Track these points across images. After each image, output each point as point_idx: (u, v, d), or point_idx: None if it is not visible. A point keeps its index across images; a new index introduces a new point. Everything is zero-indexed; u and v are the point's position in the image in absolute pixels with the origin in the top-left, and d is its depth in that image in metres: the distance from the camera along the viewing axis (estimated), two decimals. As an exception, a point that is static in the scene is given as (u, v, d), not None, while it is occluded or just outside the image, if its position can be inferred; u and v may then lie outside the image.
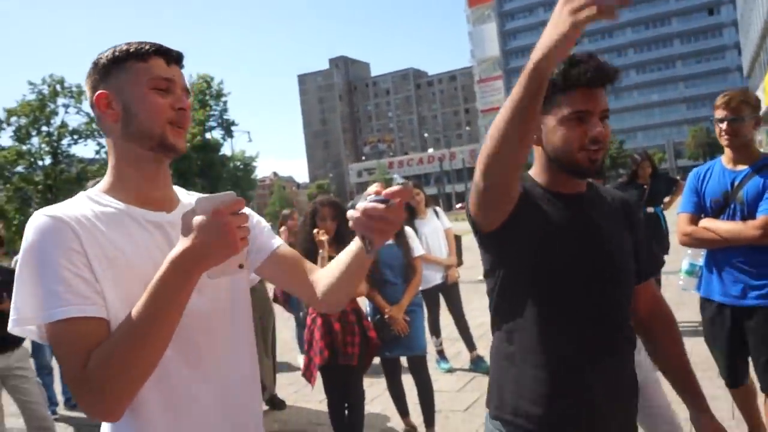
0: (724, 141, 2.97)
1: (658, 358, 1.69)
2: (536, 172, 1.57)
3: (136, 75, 1.23)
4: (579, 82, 1.42)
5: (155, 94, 1.23)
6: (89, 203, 1.22)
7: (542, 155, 1.54)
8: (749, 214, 2.80)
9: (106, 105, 1.24)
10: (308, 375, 3.60)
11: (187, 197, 1.38)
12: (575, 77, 1.41)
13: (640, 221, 1.68)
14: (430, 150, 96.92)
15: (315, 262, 3.53)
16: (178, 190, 1.39)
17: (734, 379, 3.06)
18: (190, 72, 34.99)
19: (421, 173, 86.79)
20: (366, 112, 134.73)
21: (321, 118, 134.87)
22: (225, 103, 33.45)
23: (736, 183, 2.93)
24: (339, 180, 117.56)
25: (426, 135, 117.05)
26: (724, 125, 2.91)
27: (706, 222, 2.96)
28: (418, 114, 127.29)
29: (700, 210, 3.03)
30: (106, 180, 1.29)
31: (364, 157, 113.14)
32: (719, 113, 2.95)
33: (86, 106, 29.96)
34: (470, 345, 5.53)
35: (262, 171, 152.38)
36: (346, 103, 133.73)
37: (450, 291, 5.54)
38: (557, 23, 1.01)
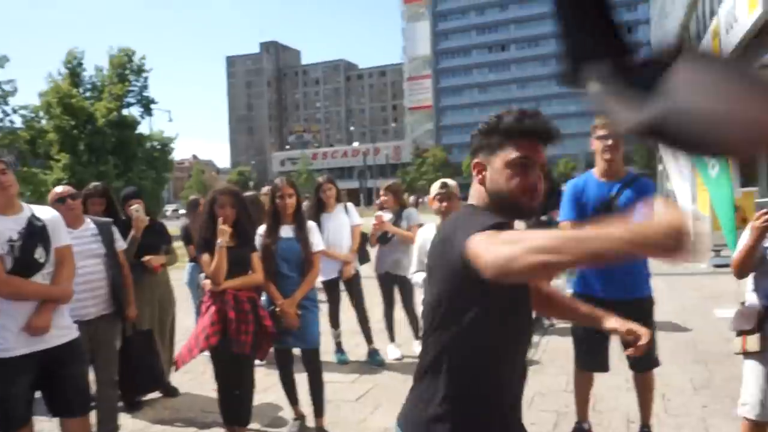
0: (603, 155, 3.38)
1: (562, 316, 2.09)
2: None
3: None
4: (528, 134, 1.57)
5: None
6: None
7: (484, 195, 1.64)
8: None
9: None
10: (179, 359, 3.60)
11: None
12: (527, 127, 1.57)
13: None
14: (356, 143, 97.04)
15: (213, 252, 3.56)
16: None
17: (600, 365, 3.60)
18: (111, 44, 33.39)
19: (345, 166, 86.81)
20: (294, 101, 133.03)
21: (247, 103, 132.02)
22: (146, 79, 32.12)
23: (612, 194, 3.36)
24: (261, 168, 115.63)
25: (352, 128, 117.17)
26: (606, 142, 3.36)
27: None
28: (347, 106, 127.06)
29: (582, 217, 3.37)
30: None
31: (288, 146, 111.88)
32: (601, 132, 3.38)
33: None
34: (369, 338, 5.70)
35: (181, 153, 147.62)
36: (274, 90, 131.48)
37: (352, 285, 5.68)
38: (649, 245, 1.11)
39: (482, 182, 1.64)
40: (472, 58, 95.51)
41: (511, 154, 1.57)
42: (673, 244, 1.07)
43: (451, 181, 4.03)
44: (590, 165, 3.66)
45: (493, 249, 1.32)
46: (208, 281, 3.65)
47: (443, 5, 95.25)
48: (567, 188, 3.58)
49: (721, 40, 15.29)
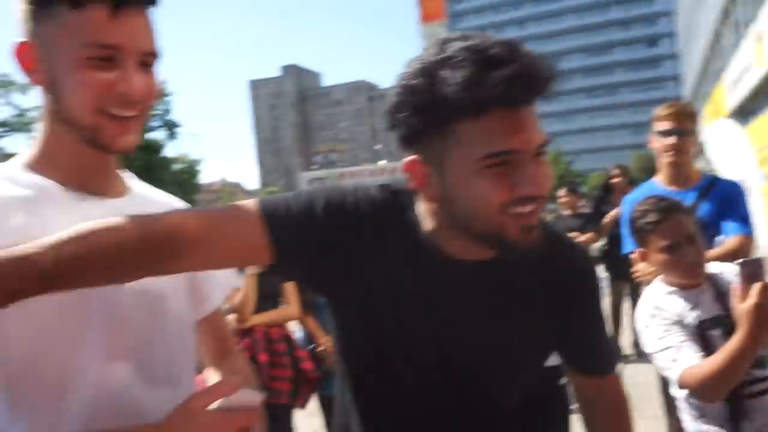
0: (668, 157, 2.54)
1: None
2: (428, 225, 1.01)
3: (66, 34, 0.85)
4: (496, 100, 0.83)
5: (89, 67, 0.85)
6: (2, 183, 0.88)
7: (438, 210, 0.97)
8: (710, 237, 2.41)
9: (31, 63, 0.88)
10: None
11: (138, 185, 1.08)
12: (489, 91, 0.82)
13: (588, 299, 1.14)
14: (382, 162, 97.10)
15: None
16: (126, 174, 1.06)
17: None
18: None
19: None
20: (317, 122, 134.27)
21: (272, 125, 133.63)
22: (169, 102, 32.43)
23: (687, 207, 2.56)
24: (290, 187, 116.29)
25: (378, 147, 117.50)
26: (671, 139, 2.50)
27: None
28: (371, 126, 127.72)
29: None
30: (31, 152, 0.93)
31: (315, 166, 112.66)
32: (664, 125, 2.54)
33: (15, 97, 27.96)
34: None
35: (209, 175, 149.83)
36: (298, 112, 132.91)
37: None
38: None
39: (432, 198, 0.95)
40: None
41: (473, 150, 0.86)
42: None
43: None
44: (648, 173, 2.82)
45: None
46: (232, 316, 3.05)
47: (460, 24, 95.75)
48: (625, 207, 2.72)
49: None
